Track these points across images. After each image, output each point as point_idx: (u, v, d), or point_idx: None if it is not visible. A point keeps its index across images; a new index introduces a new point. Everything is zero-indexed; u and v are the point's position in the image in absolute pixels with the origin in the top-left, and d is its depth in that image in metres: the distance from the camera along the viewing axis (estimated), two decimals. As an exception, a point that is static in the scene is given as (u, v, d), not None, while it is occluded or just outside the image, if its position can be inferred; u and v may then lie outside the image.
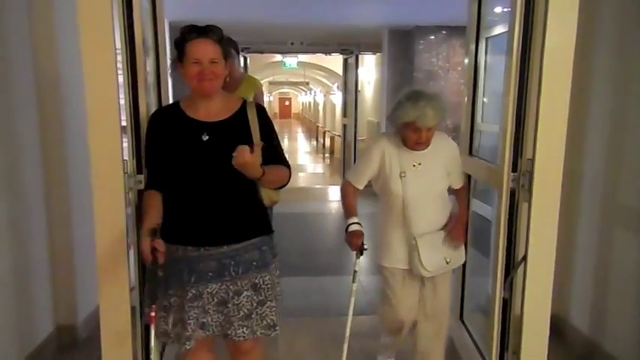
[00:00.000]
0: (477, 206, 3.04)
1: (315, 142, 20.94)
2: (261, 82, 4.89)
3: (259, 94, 3.33)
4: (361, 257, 2.36)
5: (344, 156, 9.78)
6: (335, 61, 11.40)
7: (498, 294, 2.30)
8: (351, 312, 2.37)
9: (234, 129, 1.94)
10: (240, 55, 6.42)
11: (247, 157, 1.78)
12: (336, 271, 4.65)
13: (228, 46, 2.02)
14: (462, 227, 2.49)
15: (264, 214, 2.08)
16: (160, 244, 1.82)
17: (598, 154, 3.01)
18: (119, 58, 2.07)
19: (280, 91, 36.78)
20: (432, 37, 6.93)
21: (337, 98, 15.55)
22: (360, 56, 8.82)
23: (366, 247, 2.35)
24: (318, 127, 22.07)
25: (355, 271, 2.38)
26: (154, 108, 2.41)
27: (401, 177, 2.37)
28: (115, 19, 2.00)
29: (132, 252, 2.23)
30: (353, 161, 8.38)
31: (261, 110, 2.04)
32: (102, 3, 1.94)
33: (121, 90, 2.07)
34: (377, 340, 2.88)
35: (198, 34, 1.87)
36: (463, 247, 2.53)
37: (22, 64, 2.87)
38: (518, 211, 2.24)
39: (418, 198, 2.38)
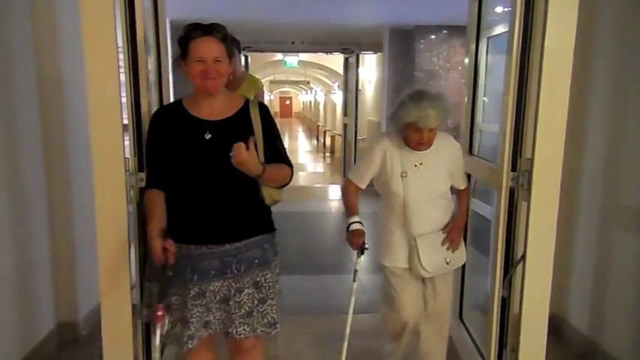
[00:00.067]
0: (477, 205, 3.04)
1: (315, 141, 20.95)
2: (262, 81, 4.90)
3: (260, 94, 3.34)
4: (362, 256, 2.36)
5: (344, 155, 9.78)
6: (336, 61, 11.39)
7: (497, 292, 2.30)
8: (351, 311, 2.37)
9: (237, 127, 1.94)
10: (242, 54, 6.43)
11: (244, 155, 1.78)
12: (336, 270, 4.66)
13: (231, 44, 2.03)
14: (459, 230, 2.48)
15: (266, 212, 2.08)
16: (171, 245, 1.83)
17: (597, 153, 3.01)
18: (121, 56, 2.08)
19: (281, 90, 36.82)
20: (433, 37, 6.94)
21: (338, 97, 15.55)
22: (360, 55, 8.82)
23: (367, 246, 2.35)
24: (318, 126, 22.07)
25: (356, 270, 2.38)
26: (155, 106, 2.42)
27: (402, 177, 2.36)
28: (117, 18, 2.00)
29: (133, 250, 2.24)
30: (353, 160, 8.38)
31: (263, 109, 2.04)
32: (104, 2, 1.95)
33: (123, 88, 2.08)
34: (377, 338, 2.89)
35: (203, 32, 1.87)
36: (464, 247, 2.53)
37: (24, 64, 2.88)
38: (518, 211, 2.24)
39: (419, 198, 2.38)
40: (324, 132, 18.28)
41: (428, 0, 5.50)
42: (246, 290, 1.98)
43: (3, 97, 2.65)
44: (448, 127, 6.10)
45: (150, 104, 2.30)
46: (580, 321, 3.13)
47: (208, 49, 1.86)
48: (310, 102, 31.95)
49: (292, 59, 11.90)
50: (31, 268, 2.89)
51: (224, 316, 2.00)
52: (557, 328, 3.13)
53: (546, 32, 1.96)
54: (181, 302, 1.95)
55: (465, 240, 2.57)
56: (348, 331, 2.35)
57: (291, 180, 2.07)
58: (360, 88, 9.10)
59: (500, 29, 2.89)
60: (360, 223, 2.39)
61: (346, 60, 9.16)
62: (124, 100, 2.09)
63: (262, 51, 8.96)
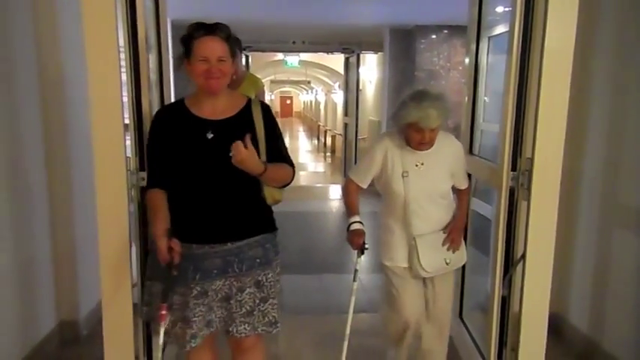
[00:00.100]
0: (477, 205, 3.05)
1: (316, 141, 20.95)
2: (263, 80, 4.91)
3: (261, 93, 3.34)
4: (362, 256, 2.36)
5: (345, 155, 9.78)
6: (336, 60, 11.40)
7: (497, 291, 2.31)
8: (351, 310, 2.36)
9: (239, 127, 1.93)
10: (242, 54, 6.43)
11: (244, 153, 1.79)
12: (337, 269, 4.67)
13: (234, 44, 2.03)
14: (459, 230, 2.47)
15: (267, 211, 2.09)
16: (177, 244, 1.83)
17: (597, 153, 3.02)
18: (122, 56, 2.08)
19: (282, 89, 36.82)
20: (434, 37, 6.94)
21: (338, 97, 15.56)
22: (361, 55, 8.82)
23: (367, 246, 2.34)
24: (319, 125, 22.07)
25: (356, 270, 2.37)
26: (156, 106, 2.43)
27: (403, 177, 2.35)
28: (118, 18, 2.01)
29: (134, 249, 2.25)
30: (354, 160, 8.38)
31: (265, 108, 2.04)
32: (106, 2, 1.96)
33: (124, 88, 2.09)
34: (377, 337, 2.89)
35: (206, 31, 1.86)
36: (464, 248, 2.52)
37: (26, 64, 2.89)
38: (518, 210, 2.25)
39: (420, 198, 2.37)
40: (325, 132, 18.28)
41: (428, 0, 5.51)
42: (248, 289, 1.98)
43: (5, 97, 2.66)
44: (448, 126, 6.11)
45: (151, 104, 2.31)
46: (580, 320, 3.13)
47: (212, 48, 1.85)
48: (311, 102, 31.96)
49: (293, 59, 11.91)
50: (32, 267, 2.90)
51: (225, 314, 2.00)
52: (557, 327, 3.13)
53: (546, 32, 1.97)
54: (183, 302, 1.95)
55: (465, 239, 2.57)
56: (348, 331, 2.35)
57: (292, 180, 2.07)
58: (360, 87, 9.10)
59: (500, 29, 2.89)
60: (360, 222, 2.38)
61: (347, 60, 9.16)
62: (125, 99, 2.10)
63: (263, 51, 8.96)
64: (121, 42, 2.06)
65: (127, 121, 2.13)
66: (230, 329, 2.00)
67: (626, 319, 2.75)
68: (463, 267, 3.03)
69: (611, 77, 2.94)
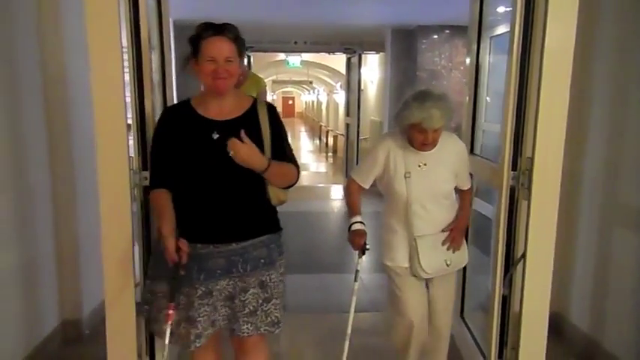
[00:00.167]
0: (478, 205, 3.05)
1: (318, 141, 20.96)
2: (265, 80, 4.92)
3: (262, 93, 3.35)
4: (363, 257, 2.35)
5: (347, 155, 9.79)
6: (338, 61, 11.41)
7: (498, 291, 2.32)
8: (352, 310, 2.35)
9: (245, 128, 1.91)
10: (244, 54, 6.44)
11: (243, 148, 1.80)
12: (338, 269, 4.68)
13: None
14: (460, 230, 2.45)
15: (272, 212, 2.08)
16: (185, 244, 1.84)
17: (598, 153, 3.03)
18: (125, 56, 2.10)
19: (284, 90, 36.80)
20: (435, 37, 6.95)
21: (340, 97, 15.56)
22: (363, 55, 8.83)
23: (368, 246, 2.33)
24: (321, 126, 22.08)
25: (357, 270, 2.36)
26: (158, 106, 2.44)
27: (405, 177, 2.34)
28: (121, 18, 2.02)
29: (137, 248, 2.26)
30: (356, 160, 8.39)
31: (271, 109, 2.04)
32: (109, 2, 1.97)
33: (127, 88, 2.10)
34: (377, 336, 2.90)
35: (214, 32, 1.86)
36: (466, 249, 2.50)
37: (29, 64, 2.90)
38: (518, 209, 2.26)
39: (422, 199, 2.35)
40: (327, 132, 18.30)
41: (430, 0, 5.52)
42: (252, 290, 1.98)
43: (8, 97, 2.68)
44: (450, 126, 6.12)
45: (153, 104, 2.32)
46: (581, 320, 3.14)
47: (219, 48, 1.85)
48: (313, 102, 31.96)
49: (295, 59, 11.93)
50: (35, 267, 2.92)
51: (229, 313, 2.00)
52: (558, 326, 3.14)
53: (546, 32, 1.98)
54: (187, 302, 1.95)
55: (466, 239, 2.55)
56: (349, 330, 2.34)
57: (297, 180, 2.06)
58: (362, 88, 9.12)
59: (502, 29, 2.90)
60: (361, 223, 2.38)
61: (349, 60, 9.17)
62: (127, 99, 2.11)
63: (265, 51, 8.99)
64: (124, 42, 2.07)
65: (129, 121, 2.14)
66: (234, 328, 2.00)
67: (627, 319, 2.76)
68: (464, 267, 3.04)
69: (612, 77, 2.94)
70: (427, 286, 2.49)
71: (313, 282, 4.36)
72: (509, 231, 2.30)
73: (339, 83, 15.48)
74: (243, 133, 1.84)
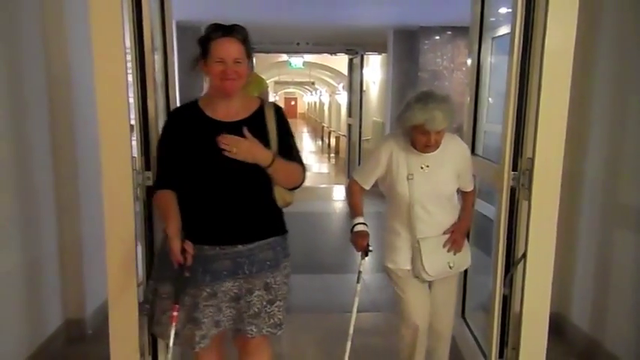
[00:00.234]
0: (480, 205, 3.06)
1: (320, 142, 20.98)
2: (267, 81, 4.93)
3: (264, 94, 3.35)
4: (366, 258, 2.34)
5: (349, 156, 9.81)
6: (340, 61, 11.43)
7: (498, 291, 2.32)
8: (354, 311, 2.34)
9: (252, 129, 1.92)
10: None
11: (243, 144, 1.83)
12: (340, 269, 4.69)
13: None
14: (462, 232, 2.43)
15: (278, 213, 2.08)
16: (190, 246, 1.84)
17: (598, 153, 3.03)
18: (128, 57, 2.11)
19: (286, 90, 36.79)
20: (437, 38, 6.96)
21: (342, 98, 15.58)
22: (365, 56, 8.85)
23: (371, 248, 2.32)
24: (323, 127, 22.11)
25: (360, 272, 2.35)
26: (162, 106, 2.45)
27: (408, 179, 2.32)
28: (125, 19, 2.04)
29: (139, 248, 2.28)
30: (358, 161, 8.41)
31: (279, 111, 2.04)
32: (113, 3, 1.98)
33: (131, 89, 2.12)
34: (378, 336, 2.90)
35: (224, 33, 1.86)
36: (468, 250, 2.48)
37: (34, 65, 2.92)
38: (519, 210, 2.26)
39: (425, 201, 2.33)
40: (329, 133, 18.32)
41: (432, 1, 5.53)
42: (257, 292, 1.98)
43: (13, 98, 2.70)
44: (452, 127, 6.12)
45: (156, 104, 2.34)
46: (582, 320, 3.14)
47: (228, 49, 1.85)
48: (315, 103, 31.97)
49: (297, 60, 11.95)
50: (39, 266, 2.94)
51: (234, 314, 2.00)
52: (559, 326, 3.15)
53: (547, 33, 1.99)
54: (192, 303, 1.95)
55: (468, 241, 2.54)
56: (351, 331, 2.33)
57: (303, 181, 2.07)
58: (364, 88, 9.14)
59: (504, 30, 2.90)
60: (364, 224, 2.36)
61: (351, 61, 9.20)
62: (131, 100, 2.12)
63: (267, 52, 9.01)
64: (127, 43, 2.09)
65: (132, 122, 2.15)
66: (239, 328, 2.00)
67: (628, 318, 2.76)
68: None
69: (612, 78, 2.95)
70: (429, 288, 2.48)
71: (315, 282, 4.37)
72: (509, 231, 2.31)
73: (342, 84, 15.50)
74: (245, 130, 1.86)
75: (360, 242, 2.32)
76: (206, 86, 2.00)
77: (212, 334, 1.97)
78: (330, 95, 22.19)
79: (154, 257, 2.23)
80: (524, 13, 2.13)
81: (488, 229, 2.92)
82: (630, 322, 2.74)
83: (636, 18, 2.75)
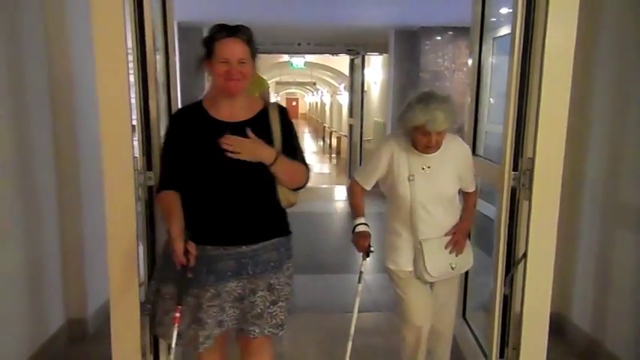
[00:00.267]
0: (481, 205, 3.06)
1: (321, 143, 20.98)
2: (269, 82, 4.94)
3: (265, 94, 3.36)
4: (367, 258, 2.34)
5: (350, 156, 9.82)
6: (342, 62, 11.44)
7: (499, 291, 2.32)
8: (356, 311, 2.34)
9: (256, 130, 1.92)
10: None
11: (245, 144, 1.83)
12: (341, 270, 4.69)
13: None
14: (464, 233, 2.41)
15: (282, 214, 2.08)
16: (193, 247, 1.83)
17: (599, 153, 3.04)
18: (130, 58, 2.12)
19: (287, 91, 36.80)
20: (438, 38, 6.96)
21: (344, 98, 15.58)
22: (366, 57, 8.85)
23: (372, 249, 2.32)
24: (324, 127, 22.10)
25: (361, 272, 2.35)
26: (163, 107, 2.46)
27: (409, 180, 2.31)
28: (126, 20, 2.04)
29: (141, 248, 2.28)
30: (359, 161, 8.41)
31: (283, 111, 2.04)
32: (114, 4, 1.99)
33: (132, 89, 2.12)
34: (379, 336, 2.90)
35: (228, 33, 1.86)
36: (470, 251, 2.47)
37: (36, 65, 2.93)
38: (519, 209, 2.27)
39: (426, 202, 2.32)
40: (330, 133, 18.31)
41: (433, 1, 5.53)
42: (260, 292, 1.98)
43: (14, 98, 2.70)
44: (453, 127, 6.12)
45: (158, 105, 2.34)
46: (582, 320, 3.14)
47: (232, 50, 1.86)
48: (316, 103, 31.99)
49: (298, 60, 11.96)
50: (41, 266, 2.94)
51: (237, 314, 2.00)
52: (559, 326, 3.15)
53: (547, 34, 1.99)
54: (196, 303, 1.95)
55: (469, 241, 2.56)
56: (352, 331, 2.33)
57: (307, 181, 2.07)
58: (365, 89, 9.14)
59: (504, 30, 2.91)
60: (365, 224, 2.36)
61: (352, 61, 9.20)
62: (132, 100, 2.13)
63: (269, 52, 9.01)
64: (129, 44, 2.10)
65: (134, 122, 2.16)
66: (242, 327, 2.00)
67: (628, 318, 2.76)
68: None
69: (612, 78, 2.95)
70: (430, 288, 2.48)
71: (316, 282, 4.38)
72: (510, 231, 2.31)
73: (343, 84, 15.51)
74: (248, 130, 1.86)
75: (361, 243, 2.32)
76: (207, 86, 2.00)
77: (215, 334, 1.97)
78: (332, 96, 22.20)
79: (158, 258, 2.24)
80: (524, 13, 2.13)
81: (489, 228, 2.93)
82: (630, 322, 2.75)
83: (636, 18, 2.76)
